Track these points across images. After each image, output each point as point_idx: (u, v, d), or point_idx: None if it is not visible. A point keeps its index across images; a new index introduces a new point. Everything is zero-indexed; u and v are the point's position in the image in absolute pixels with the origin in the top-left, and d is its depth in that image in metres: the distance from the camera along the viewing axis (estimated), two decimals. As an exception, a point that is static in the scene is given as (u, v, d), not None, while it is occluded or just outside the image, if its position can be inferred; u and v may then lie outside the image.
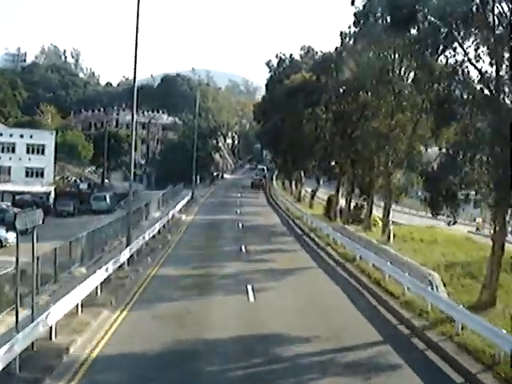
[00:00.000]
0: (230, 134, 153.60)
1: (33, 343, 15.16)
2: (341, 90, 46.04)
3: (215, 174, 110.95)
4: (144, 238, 32.87)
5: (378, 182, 39.54)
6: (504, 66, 19.80)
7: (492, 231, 22.10)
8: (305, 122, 55.70)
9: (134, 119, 30.84)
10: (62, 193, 71.88)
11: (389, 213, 35.37)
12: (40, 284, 21.73)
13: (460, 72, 20.40)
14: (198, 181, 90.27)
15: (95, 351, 15.92)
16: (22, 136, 76.54)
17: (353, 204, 52.70)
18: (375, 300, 22.83)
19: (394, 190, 36.61)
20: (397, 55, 34.12)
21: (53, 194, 70.57)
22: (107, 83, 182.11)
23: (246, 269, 28.55)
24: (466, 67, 20.44)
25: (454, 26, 19.99)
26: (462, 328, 17.48)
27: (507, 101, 20.37)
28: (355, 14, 33.91)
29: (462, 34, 20.37)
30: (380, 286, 24.40)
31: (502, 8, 19.54)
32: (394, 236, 35.24)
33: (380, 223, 45.71)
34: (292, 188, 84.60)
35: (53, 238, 37.30)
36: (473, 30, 20.45)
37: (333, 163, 52.88)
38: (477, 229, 62.76)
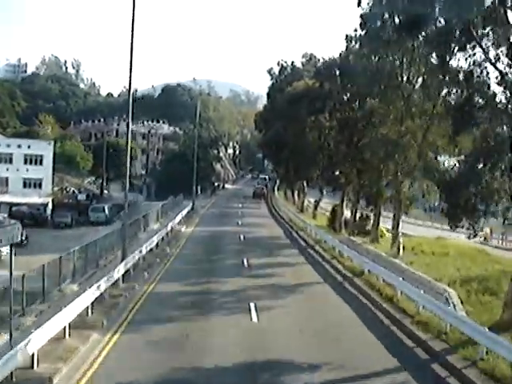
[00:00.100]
0: (231, 144, 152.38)
1: (12, 373, 13.59)
2: (346, 97, 44.55)
3: (216, 184, 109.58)
4: (141, 251, 31.25)
5: (386, 191, 37.88)
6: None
7: (501, 242, 20.44)
8: (308, 130, 54.14)
9: (130, 129, 29.48)
10: (59, 204, 70.65)
11: (398, 224, 33.69)
12: (26, 304, 20.19)
13: (479, 73, 18.82)
14: (199, 191, 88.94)
15: (82, 382, 14.33)
16: (19, 146, 75.34)
17: (358, 215, 51.02)
18: (388, 319, 21.17)
19: (403, 200, 34.95)
20: (405, 59, 32.60)
21: (50, 205, 69.30)
22: (108, 94, 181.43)
23: (249, 284, 26.90)
24: (485, 68, 18.88)
25: (471, 23, 18.41)
26: (487, 352, 15.86)
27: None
28: (362, 16, 32.47)
29: (480, 32, 18.81)
30: (392, 304, 22.76)
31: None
32: (403, 248, 33.60)
33: (387, 235, 44.15)
34: (294, 198, 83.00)
35: (48, 251, 36.09)
36: (491, 27, 18.91)
37: (337, 173, 51.30)
38: (484, 239, 61.01)
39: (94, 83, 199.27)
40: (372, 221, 44.02)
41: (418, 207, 50.98)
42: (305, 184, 72.17)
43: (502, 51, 19.10)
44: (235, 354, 16.59)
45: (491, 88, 19.60)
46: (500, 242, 54.24)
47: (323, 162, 52.88)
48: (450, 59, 28.01)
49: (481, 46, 18.98)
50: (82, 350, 16.52)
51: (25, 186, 73.94)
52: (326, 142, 51.80)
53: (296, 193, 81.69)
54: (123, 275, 25.76)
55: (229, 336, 18.57)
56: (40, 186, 74.73)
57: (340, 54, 44.62)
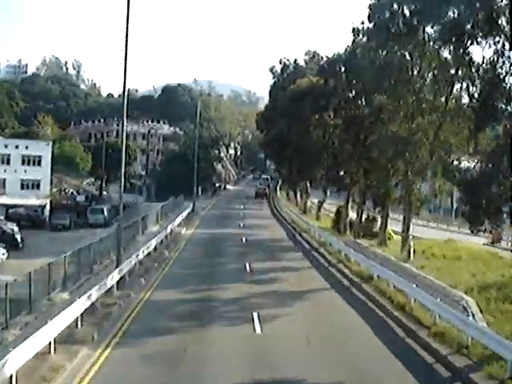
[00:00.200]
0: (232, 145, 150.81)
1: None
2: (352, 94, 42.92)
3: (217, 185, 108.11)
4: (138, 256, 29.70)
5: (395, 192, 36.21)
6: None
7: (510, 244, 18.89)
8: (312, 128, 52.48)
9: (124, 130, 28.08)
10: (58, 205, 69.44)
11: (409, 227, 32.02)
12: (10, 315, 18.65)
13: (501, 63, 17.27)
14: (200, 192, 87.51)
15: (66, 406, 12.83)
16: (17, 147, 74.29)
17: (364, 216, 49.36)
18: (402, 330, 19.58)
19: (414, 201, 33.29)
20: (416, 52, 30.98)
21: (48, 207, 67.92)
22: (108, 94, 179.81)
23: (251, 291, 25.34)
24: (508, 58, 17.32)
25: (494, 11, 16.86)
26: (515, 369, 14.33)
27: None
28: (370, 7, 30.90)
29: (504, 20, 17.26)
30: (405, 313, 21.21)
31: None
32: (413, 252, 31.98)
33: (394, 237, 42.60)
34: (297, 199, 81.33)
35: (44, 254, 34.63)
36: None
37: (342, 173, 49.63)
38: (492, 241, 59.36)
39: (94, 84, 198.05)
40: (379, 223, 42.33)
41: (423, 208, 49.09)
42: (308, 184, 70.45)
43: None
44: (238, 371, 15.03)
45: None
46: (510, 244, 52.57)
47: (327, 161, 51.27)
48: (464, 52, 26.70)
49: (505, 35, 17.42)
50: (68, 367, 14.99)
51: (22, 187, 72.97)
52: (330, 141, 50.17)
53: (299, 193, 79.99)
54: (118, 282, 24.23)
55: (230, 350, 17.02)
56: (38, 187, 73.76)
57: (346, 50, 42.91)
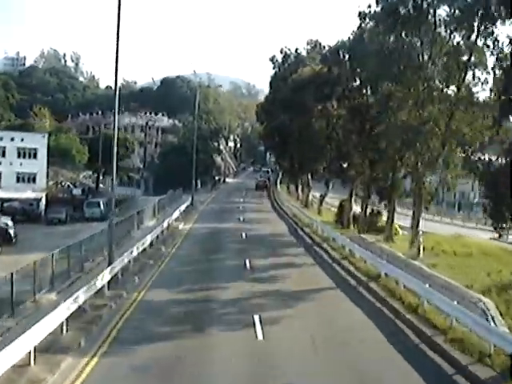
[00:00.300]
0: (231, 137, 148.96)
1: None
2: (357, 82, 41.19)
3: (217, 178, 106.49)
4: (132, 252, 28.16)
5: (402, 185, 34.53)
6: None
7: None
8: (314, 119, 50.74)
9: (116, 122, 26.47)
10: (53, 199, 67.88)
11: (418, 221, 30.36)
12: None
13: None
14: (199, 185, 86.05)
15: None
16: (12, 139, 72.55)
17: (368, 210, 47.65)
18: (415, 335, 18.05)
19: (425, 194, 31.63)
20: (426, 38, 29.27)
21: (44, 201, 66.39)
22: (107, 86, 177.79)
23: (252, 291, 23.81)
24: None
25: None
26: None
27: None
28: (378, -11, 29.25)
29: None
30: (417, 315, 19.67)
31: None
32: (423, 249, 30.41)
33: (400, 232, 41.06)
34: (298, 192, 79.69)
35: (39, 249, 33.14)
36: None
37: (345, 165, 47.91)
38: (499, 235, 57.82)
39: (93, 76, 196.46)
40: (386, 217, 40.69)
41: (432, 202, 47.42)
42: (309, 177, 68.73)
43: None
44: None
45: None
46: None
47: (330, 153, 49.56)
48: (478, 36, 25.19)
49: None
50: (49, 381, 13.50)
51: (18, 180, 71.31)
52: (334, 132, 48.39)
53: (300, 187, 78.31)
54: (110, 281, 22.69)
55: (229, 359, 15.51)
56: (34, 180, 72.19)
57: (350, 37, 41.06)
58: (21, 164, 71.50)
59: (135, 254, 28.76)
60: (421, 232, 30.70)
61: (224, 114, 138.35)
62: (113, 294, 22.08)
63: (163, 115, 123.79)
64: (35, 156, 72.75)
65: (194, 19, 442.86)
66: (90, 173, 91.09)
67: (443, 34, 28.44)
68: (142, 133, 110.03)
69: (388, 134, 30.74)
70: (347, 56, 42.48)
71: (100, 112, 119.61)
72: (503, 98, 17.25)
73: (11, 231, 45.87)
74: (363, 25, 35.31)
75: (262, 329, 17.99)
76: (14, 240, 45.23)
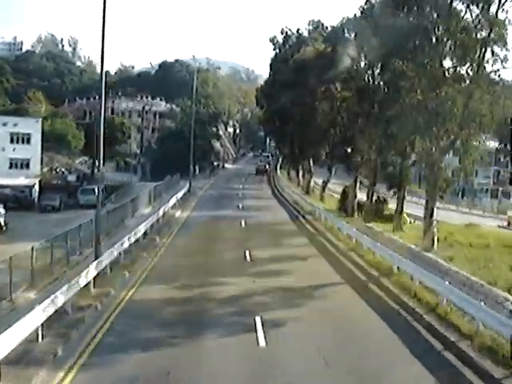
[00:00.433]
0: (231, 123, 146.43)
1: None
2: (364, 61, 38.85)
3: (216, 163, 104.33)
4: (123, 244, 26.09)
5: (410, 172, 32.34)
6: None
7: None
8: (317, 102, 48.40)
9: (102, 107, 24.81)
10: (47, 185, 65.95)
11: (433, 211, 28.18)
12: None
13: None
14: (197, 171, 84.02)
15: None
16: (5, 124, 70.43)
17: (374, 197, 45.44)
18: (437, 340, 16.01)
19: (441, 181, 29.42)
20: (441, 12, 26.94)
21: (37, 187, 64.37)
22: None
23: (253, 288, 21.73)
24: None
25: None
26: None
27: None
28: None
29: None
30: (437, 316, 17.65)
31: None
32: (437, 240, 28.28)
33: (409, 221, 39.01)
34: (299, 178, 77.50)
35: (30, 238, 30.98)
36: None
37: (350, 150, 45.67)
38: (508, 223, 56.05)
39: (91, 61, 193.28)
40: (391, 205, 38.60)
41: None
42: (311, 163, 66.44)
43: None
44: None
45: None
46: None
47: (334, 137, 47.29)
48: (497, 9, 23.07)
49: None
50: (15, 402, 11.49)
51: (11, 166, 69.30)
52: (338, 115, 46.07)
53: (301, 172, 76.11)
54: (96, 277, 20.61)
55: (227, 372, 13.49)
56: (28, 166, 70.29)
57: (355, 15, 38.72)
58: (14, 149, 69.65)
59: (126, 245, 26.66)
60: (435, 222, 28.60)
61: (223, 98, 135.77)
62: (99, 292, 19.98)
63: (161, 100, 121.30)
64: (29, 141, 70.83)
65: (193, 3, 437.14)
66: (86, 159, 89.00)
67: (460, 6, 26.16)
68: (140, 118, 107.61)
69: (400, 117, 28.50)
70: (353, 34, 40.21)
71: (97, 97, 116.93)
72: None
73: (1, 219, 44.13)
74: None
75: (265, 333, 15.95)
76: (4, 228, 43.52)
